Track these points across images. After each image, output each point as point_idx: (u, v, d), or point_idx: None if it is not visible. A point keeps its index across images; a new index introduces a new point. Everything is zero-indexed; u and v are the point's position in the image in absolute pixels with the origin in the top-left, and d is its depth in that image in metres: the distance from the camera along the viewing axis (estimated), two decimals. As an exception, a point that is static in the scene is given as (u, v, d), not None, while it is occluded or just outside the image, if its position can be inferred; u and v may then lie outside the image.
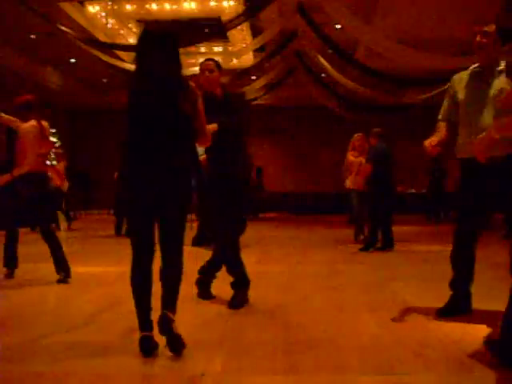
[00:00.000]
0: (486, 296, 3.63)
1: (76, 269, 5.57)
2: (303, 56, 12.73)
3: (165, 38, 2.78)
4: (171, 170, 2.68)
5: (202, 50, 13.54)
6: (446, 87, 3.67)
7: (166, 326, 2.60)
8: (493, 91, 3.22)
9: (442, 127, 3.49)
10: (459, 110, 3.39)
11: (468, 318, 3.24)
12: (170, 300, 2.68)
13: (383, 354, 2.63)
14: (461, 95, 3.37)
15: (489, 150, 2.63)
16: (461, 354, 2.62)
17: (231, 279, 3.83)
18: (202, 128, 2.85)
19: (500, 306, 3.50)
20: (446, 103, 3.53)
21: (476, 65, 3.38)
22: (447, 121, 3.48)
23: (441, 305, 3.73)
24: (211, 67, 3.79)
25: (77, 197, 11.80)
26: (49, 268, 5.42)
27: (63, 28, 9.67)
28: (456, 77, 3.48)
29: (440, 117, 3.53)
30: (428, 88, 12.45)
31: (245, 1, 11.19)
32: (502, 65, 3.26)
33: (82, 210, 15.95)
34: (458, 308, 3.39)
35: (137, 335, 2.64)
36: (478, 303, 3.42)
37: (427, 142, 3.35)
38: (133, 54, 14.13)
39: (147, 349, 2.63)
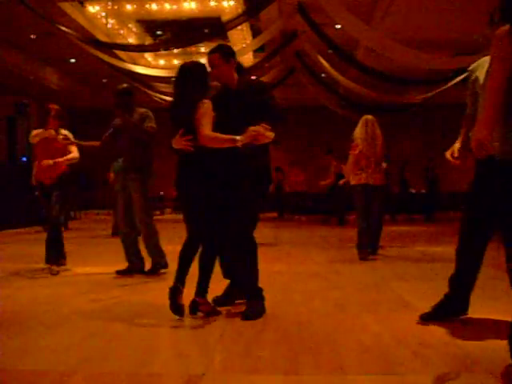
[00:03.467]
0: (486, 296, 3.63)
1: (75, 269, 5.58)
2: (303, 56, 12.74)
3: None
4: None
5: (202, 50, 13.56)
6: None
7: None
8: None
9: (461, 131, 3.22)
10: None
11: (468, 318, 3.23)
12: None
13: (383, 353, 2.63)
14: (479, 82, 3.05)
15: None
16: (461, 353, 2.62)
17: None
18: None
19: (500, 305, 3.51)
20: (468, 95, 3.19)
21: None
22: (468, 115, 3.18)
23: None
24: (212, 63, 3.52)
25: (77, 197, 11.82)
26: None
27: (63, 28, 9.67)
28: (479, 61, 3.14)
29: (466, 112, 3.22)
30: (428, 88, 12.47)
31: (245, 1, 11.20)
32: None
33: (81, 209, 15.95)
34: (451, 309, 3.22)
35: (136, 335, 2.64)
36: (477, 303, 3.41)
37: (448, 154, 3.16)
38: (133, 54, 14.11)
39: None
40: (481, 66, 3.09)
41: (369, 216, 6.27)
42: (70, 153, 5.43)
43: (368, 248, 6.23)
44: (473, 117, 3.09)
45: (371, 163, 6.23)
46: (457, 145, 3.23)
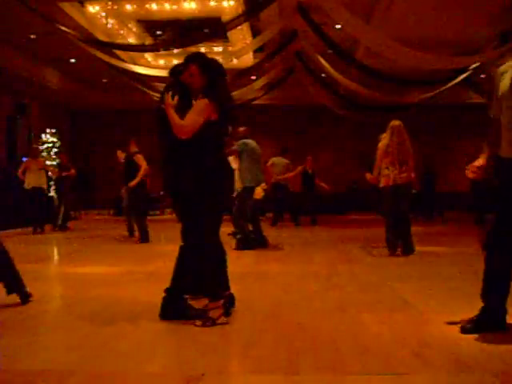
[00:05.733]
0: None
1: (76, 269, 5.58)
2: (303, 56, 12.73)
3: None
4: None
5: (202, 50, 13.55)
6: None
7: None
8: None
9: (484, 147, 3.12)
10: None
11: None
12: None
13: (383, 353, 2.63)
14: (501, 88, 2.99)
15: None
16: (461, 353, 2.62)
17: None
18: None
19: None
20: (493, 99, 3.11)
21: None
22: (494, 120, 3.07)
23: (440, 305, 3.73)
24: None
25: (77, 197, 11.82)
26: (48, 268, 5.44)
27: (63, 28, 9.66)
28: (501, 68, 3.06)
29: (491, 114, 3.12)
30: (428, 88, 12.47)
31: (245, 1, 11.19)
32: None
33: (82, 209, 15.97)
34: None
35: (136, 335, 2.64)
36: (476, 303, 3.41)
37: (469, 171, 3.08)
38: (133, 54, 14.09)
39: None
40: (500, 73, 3.03)
41: (397, 214, 6.35)
42: None
43: (396, 245, 6.40)
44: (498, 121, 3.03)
45: (396, 163, 6.35)
46: (481, 161, 3.08)
